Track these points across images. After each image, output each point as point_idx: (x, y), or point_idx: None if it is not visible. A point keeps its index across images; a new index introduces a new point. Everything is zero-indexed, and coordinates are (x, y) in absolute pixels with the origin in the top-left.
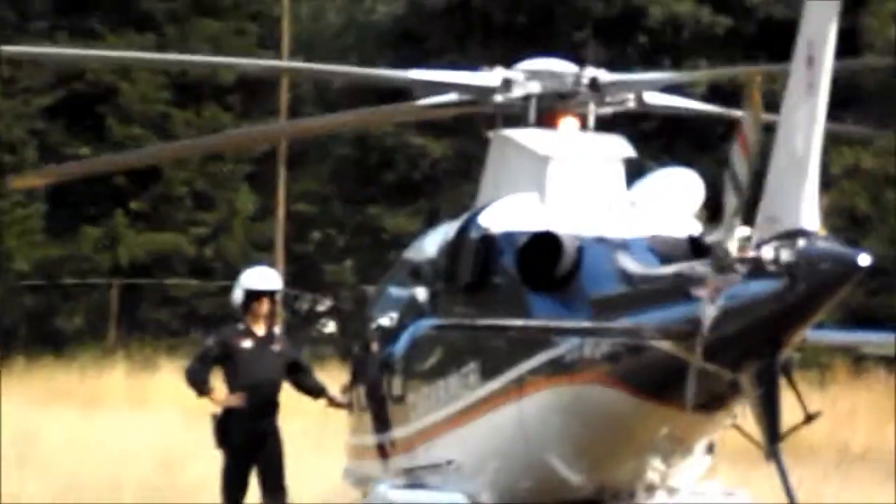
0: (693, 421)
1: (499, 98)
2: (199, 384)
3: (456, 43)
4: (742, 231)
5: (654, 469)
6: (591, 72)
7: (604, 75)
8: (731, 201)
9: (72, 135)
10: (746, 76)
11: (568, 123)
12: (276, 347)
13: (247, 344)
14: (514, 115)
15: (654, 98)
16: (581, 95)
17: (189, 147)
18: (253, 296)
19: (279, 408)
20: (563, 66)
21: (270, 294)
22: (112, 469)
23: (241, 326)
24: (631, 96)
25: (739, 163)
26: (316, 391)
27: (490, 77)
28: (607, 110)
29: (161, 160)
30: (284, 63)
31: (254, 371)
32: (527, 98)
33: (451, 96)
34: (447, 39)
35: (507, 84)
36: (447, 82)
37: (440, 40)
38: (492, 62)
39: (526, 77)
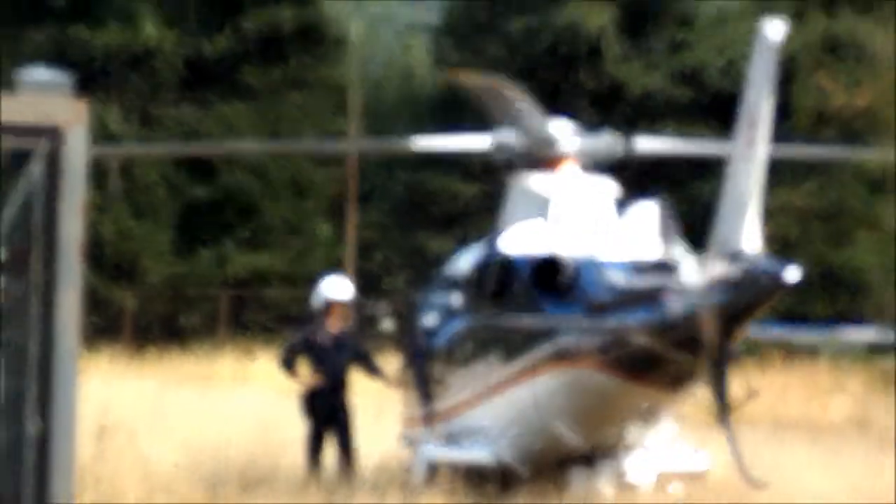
0: (664, 396)
1: (556, 150)
2: (288, 369)
3: (485, 108)
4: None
5: (634, 433)
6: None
7: (642, 143)
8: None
9: (191, 178)
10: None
11: (569, 168)
12: (348, 341)
13: (325, 339)
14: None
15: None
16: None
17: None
18: (330, 302)
19: (350, 387)
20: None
21: (344, 301)
22: (222, 433)
23: (321, 325)
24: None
25: None
26: (378, 375)
27: (556, 128)
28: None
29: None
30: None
31: (330, 359)
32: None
33: (476, 141)
34: (478, 106)
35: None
36: (516, 129)
37: (473, 106)
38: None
39: (579, 136)
